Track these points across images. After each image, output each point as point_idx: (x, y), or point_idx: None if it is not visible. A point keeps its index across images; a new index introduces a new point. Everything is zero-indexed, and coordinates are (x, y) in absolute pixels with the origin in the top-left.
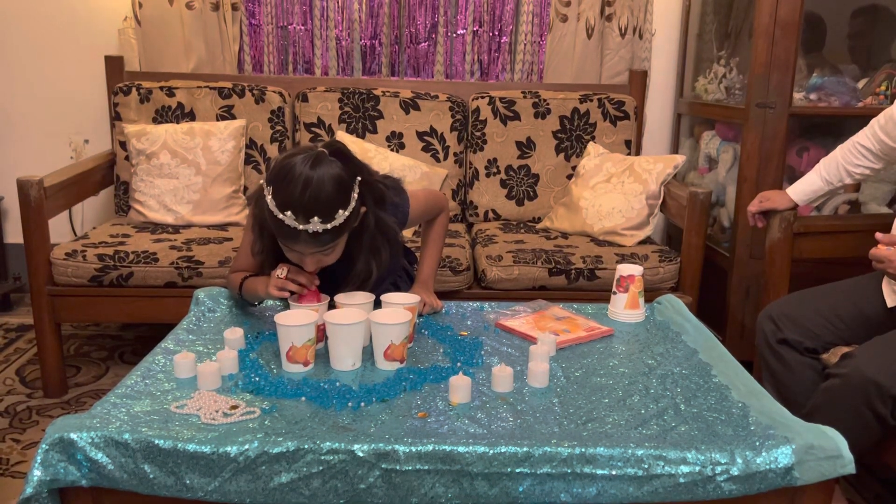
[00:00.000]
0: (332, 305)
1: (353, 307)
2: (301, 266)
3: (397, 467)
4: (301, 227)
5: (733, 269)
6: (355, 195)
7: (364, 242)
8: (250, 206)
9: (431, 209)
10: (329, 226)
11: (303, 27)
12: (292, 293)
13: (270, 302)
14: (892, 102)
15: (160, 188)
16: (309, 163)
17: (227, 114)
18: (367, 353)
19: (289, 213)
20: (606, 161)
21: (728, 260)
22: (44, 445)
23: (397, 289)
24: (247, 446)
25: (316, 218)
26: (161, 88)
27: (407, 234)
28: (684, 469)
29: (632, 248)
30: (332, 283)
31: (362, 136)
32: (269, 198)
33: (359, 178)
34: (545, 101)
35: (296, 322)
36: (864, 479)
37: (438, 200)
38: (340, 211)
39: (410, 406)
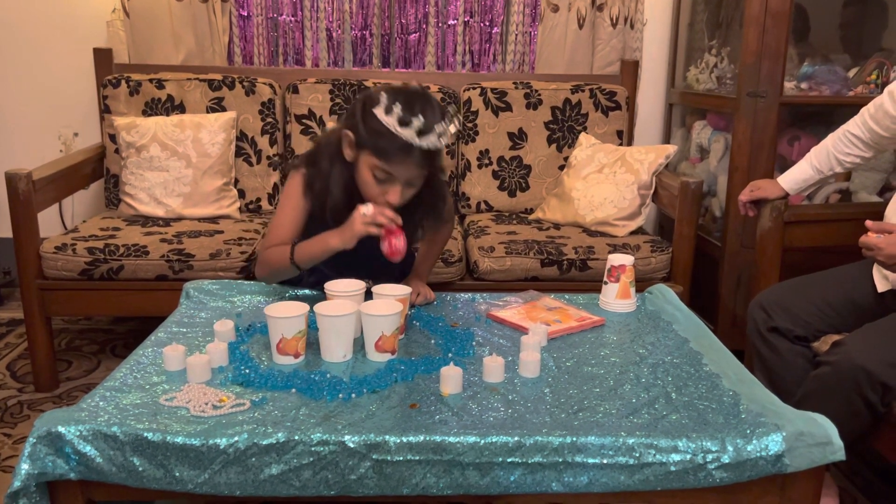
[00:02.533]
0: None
1: (343, 299)
2: (384, 202)
3: (388, 458)
4: (419, 140)
5: (724, 259)
6: (456, 125)
7: (431, 187)
8: (297, 169)
9: (447, 209)
10: (441, 144)
11: (293, 18)
12: (379, 227)
13: (239, 297)
14: (882, 91)
15: (150, 181)
16: (408, 89)
17: (217, 106)
18: (359, 344)
19: (417, 119)
20: (598, 151)
21: (719, 249)
22: (31, 439)
23: (403, 277)
24: (236, 438)
25: (436, 133)
26: (150, 81)
27: None
28: (675, 457)
29: (624, 238)
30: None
31: None
32: (387, 116)
33: (452, 115)
34: (537, 91)
35: (285, 314)
36: (854, 467)
37: (451, 208)
38: (451, 131)
39: (402, 397)
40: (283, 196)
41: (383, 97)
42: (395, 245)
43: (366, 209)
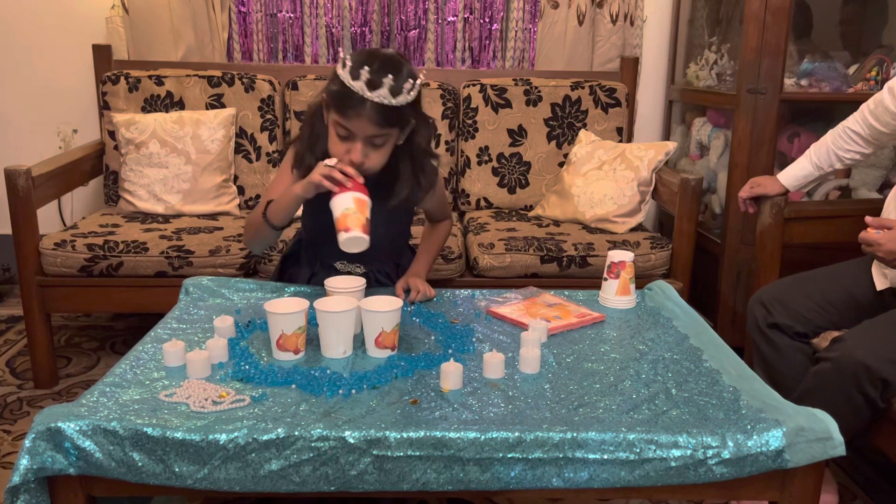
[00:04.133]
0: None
1: (344, 294)
2: (347, 161)
3: (388, 453)
4: (370, 93)
5: (724, 255)
6: (417, 90)
7: (411, 160)
8: (293, 144)
9: (444, 205)
10: (394, 101)
11: (292, 14)
12: (335, 182)
13: (239, 294)
14: (882, 88)
15: (150, 178)
16: (380, 50)
17: (216, 102)
18: (359, 340)
19: (364, 71)
20: (598, 148)
21: (719, 246)
22: (31, 434)
23: (398, 269)
24: (236, 434)
25: (386, 85)
26: (150, 77)
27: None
28: (676, 453)
29: (623, 234)
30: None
31: None
32: (342, 70)
33: (421, 80)
34: (536, 88)
35: (286, 310)
36: (854, 463)
37: (449, 206)
38: (406, 88)
39: (402, 393)
40: (278, 170)
41: (348, 56)
42: (357, 190)
43: (329, 161)
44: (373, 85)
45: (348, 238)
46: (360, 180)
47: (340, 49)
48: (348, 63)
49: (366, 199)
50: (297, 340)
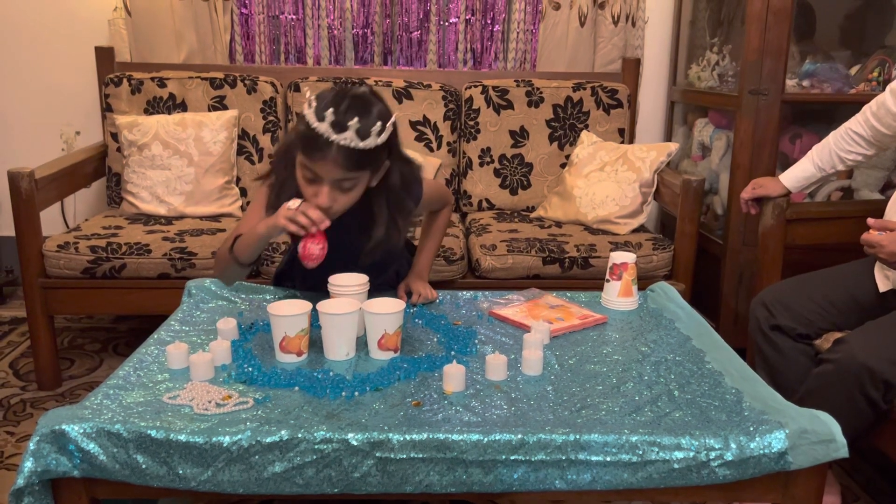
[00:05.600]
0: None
1: (346, 297)
2: (315, 204)
3: (391, 455)
4: (335, 136)
5: (726, 257)
6: (389, 131)
7: (387, 202)
8: (264, 181)
9: (438, 200)
10: (361, 144)
11: (294, 16)
12: (301, 227)
13: (242, 297)
14: (884, 89)
15: (152, 179)
16: (352, 89)
17: (218, 104)
18: (361, 342)
19: (328, 113)
20: (600, 149)
21: (721, 247)
22: (35, 436)
23: (399, 277)
24: (240, 436)
25: (352, 128)
26: (152, 79)
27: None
28: (678, 455)
29: (625, 236)
30: (347, 251)
31: None
32: (308, 109)
33: (394, 120)
34: (538, 89)
35: (288, 312)
36: (856, 464)
37: (445, 194)
38: (375, 131)
39: (404, 395)
40: (249, 204)
41: (314, 96)
42: (309, 249)
43: (293, 203)
44: (338, 127)
45: (285, 360)
46: (325, 225)
47: (310, 97)
48: (314, 103)
49: (304, 317)
50: (300, 343)
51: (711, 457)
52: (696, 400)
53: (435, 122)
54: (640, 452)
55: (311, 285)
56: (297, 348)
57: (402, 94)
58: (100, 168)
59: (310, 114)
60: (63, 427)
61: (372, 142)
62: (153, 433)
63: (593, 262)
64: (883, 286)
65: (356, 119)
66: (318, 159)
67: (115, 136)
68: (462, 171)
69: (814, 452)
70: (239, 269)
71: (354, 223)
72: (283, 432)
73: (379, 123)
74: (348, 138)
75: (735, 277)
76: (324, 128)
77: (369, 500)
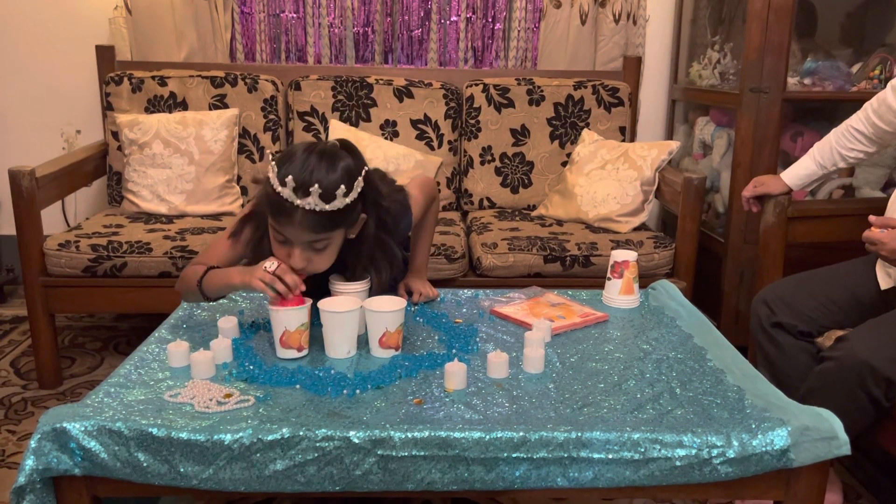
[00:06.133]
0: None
1: (347, 295)
2: (289, 265)
3: (393, 453)
4: (298, 201)
5: (728, 255)
6: (359, 188)
7: (363, 255)
8: (248, 221)
9: (425, 205)
10: (327, 206)
11: (295, 15)
12: (275, 293)
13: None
14: (885, 86)
15: (153, 178)
16: (318, 145)
17: (219, 103)
18: (362, 340)
19: (289, 179)
20: (601, 148)
21: (722, 245)
22: (37, 435)
23: (395, 283)
24: (241, 434)
25: (314, 193)
26: (153, 78)
27: None
28: (680, 452)
29: (627, 234)
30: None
31: (356, 125)
32: (271, 173)
33: (365, 172)
34: (539, 87)
35: (289, 306)
36: (857, 462)
37: (431, 191)
38: (340, 193)
39: (406, 393)
40: (230, 230)
41: (277, 158)
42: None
43: (270, 264)
44: (301, 192)
45: (285, 356)
46: (300, 290)
47: (272, 161)
48: (275, 168)
49: (303, 310)
50: (301, 337)
51: (713, 454)
52: (698, 397)
53: (436, 121)
54: (642, 450)
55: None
56: (298, 343)
57: (403, 93)
58: (100, 167)
59: (272, 177)
60: (64, 425)
61: (339, 203)
62: (154, 431)
63: (594, 260)
64: (884, 284)
65: (317, 184)
66: (286, 224)
67: (115, 135)
68: (463, 170)
69: (816, 450)
70: (200, 298)
71: (336, 270)
72: (284, 430)
73: (343, 186)
74: (311, 203)
75: (736, 275)
76: (286, 193)
77: (371, 498)
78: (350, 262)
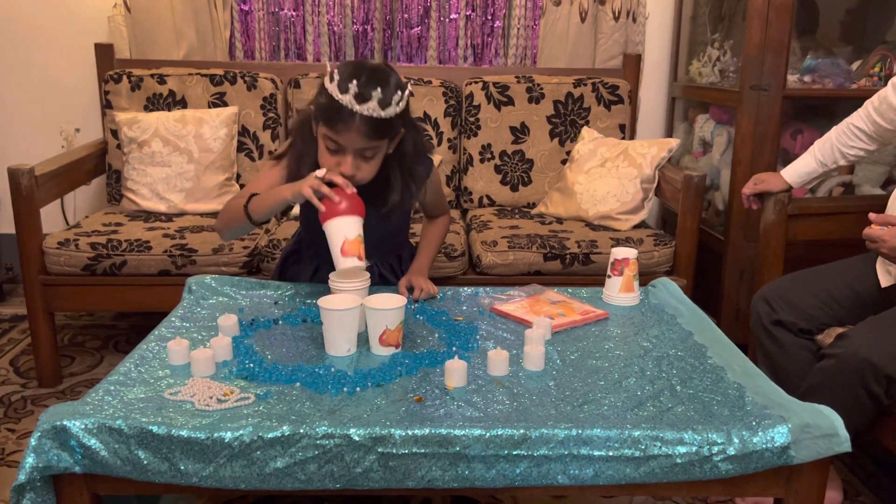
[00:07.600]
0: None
1: (348, 293)
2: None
3: (393, 451)
4: (358, 107)
5: (728, 252)
6: (405, 101)
7: (401, 168)
8: (292, 132)
9: (440, 201)
10: (384, 113)
11: (294, 13)
12: (323, 198)
13: (243, 293)
14: (885, 84)
15: (152, 176)
16: (368, 62)
17: (218, 101)
18: (362, 338)
19: (352, 84)
20: (601, 145)
21: (722, 243)
22: (37, 432)
23: (400, 261)
24: (241, 432)
25: (375, 98)
26: (152, 76)
27: None
28: (681, 449)
29: (627, 232)
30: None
31: None
32: (330, 84)
33: (409, 90)
34: (539, 85)
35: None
36: (858, 459)
37: (445, 201)
38: (395, 100)
39: (406, 390)
40: (266, 163)
41: (335, 69)
42: (350, 201)
43: (320, 172)
44: (362, 98)
45: (345, 267)
46: (352, 191)
47: (328, 63)
48: (336, 76)
49: (358, 220)
50: (360, 247)
51: (714, 451)
52: (699, 395)
53: (435, 119)
54: (643, 447)
55: (323, 260)
56: (358, 251)
57: None
58: (100, 165)
59: (332, 87)
60: (64, 423)
61: (392, 111)
62: (155, 429)
63: (594, 258)
64: (885, 281)
65: (378, 90)
66: (342, 130)
67: (114, 133)
68: (463, 168)
69: (816, 447)
70: (248, 226)
71: (371, 190)
72: (284, 428)
73: (398, 93)
74: (371, 108)
75: (736, 273)
76: (347, 99)
77: (371, 496)
78: (390, 175)
